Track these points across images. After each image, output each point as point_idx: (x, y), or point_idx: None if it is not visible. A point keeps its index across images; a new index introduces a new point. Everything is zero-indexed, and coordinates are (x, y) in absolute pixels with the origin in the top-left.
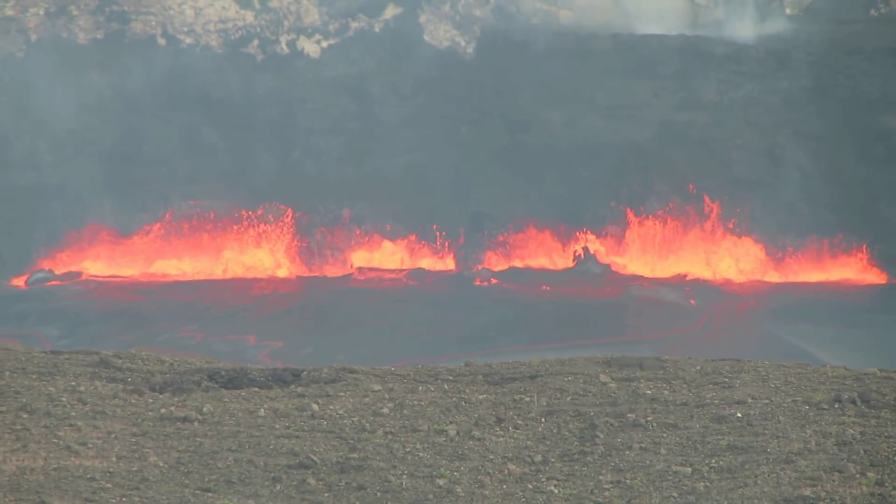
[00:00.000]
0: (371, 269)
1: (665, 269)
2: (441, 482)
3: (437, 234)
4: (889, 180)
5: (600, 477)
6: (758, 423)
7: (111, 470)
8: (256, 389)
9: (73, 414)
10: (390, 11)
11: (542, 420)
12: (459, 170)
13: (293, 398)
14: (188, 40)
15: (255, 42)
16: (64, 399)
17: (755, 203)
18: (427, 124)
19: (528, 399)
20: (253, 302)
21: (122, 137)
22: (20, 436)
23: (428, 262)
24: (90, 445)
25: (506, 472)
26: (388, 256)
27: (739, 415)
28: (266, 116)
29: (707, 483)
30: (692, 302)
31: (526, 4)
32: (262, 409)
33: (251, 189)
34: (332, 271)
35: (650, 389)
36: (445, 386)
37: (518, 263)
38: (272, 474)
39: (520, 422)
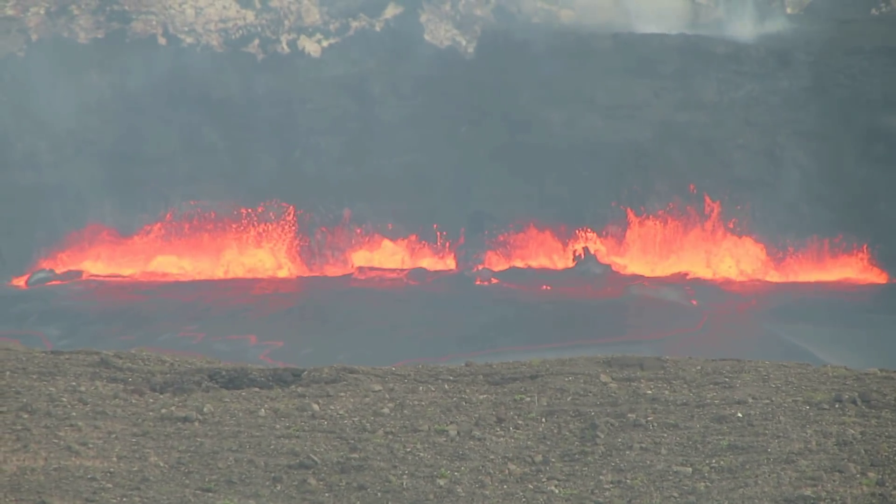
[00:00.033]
0: (371, 269)
1: (665, 269)
2: (442, 482)
3: (438, 233)
4: (889, 180)
5: (601, 477)
6: (758, 423)
7: (112, 470)
8: (257, 389)
9: (74, 414)
10: (391, 11)
11: (543, 420)
12: (460, 169)
13: (294, 398)
14: (189, 40)
15: (256, 42)
16: (64, 399)
17: (756, 203)
18: (427, 124)
19: (528, 399)
20: (253, 302)
21: (122, 137)
22: (21, 436)
23: (428, 262)
24: (91, 445)
25: (506, 472)
26: (388, 256)
27: (740, 415)
28: (266, 116)
29: (708, 483)
30: (693, 302)
31: (526, 4)
32: (263, 409)
33: (251, 189)
34: (333, 271)
35: (651, 389)
36: (446, 386)
37: (518, 263)
38: (273, 474)
39: (520, 422)
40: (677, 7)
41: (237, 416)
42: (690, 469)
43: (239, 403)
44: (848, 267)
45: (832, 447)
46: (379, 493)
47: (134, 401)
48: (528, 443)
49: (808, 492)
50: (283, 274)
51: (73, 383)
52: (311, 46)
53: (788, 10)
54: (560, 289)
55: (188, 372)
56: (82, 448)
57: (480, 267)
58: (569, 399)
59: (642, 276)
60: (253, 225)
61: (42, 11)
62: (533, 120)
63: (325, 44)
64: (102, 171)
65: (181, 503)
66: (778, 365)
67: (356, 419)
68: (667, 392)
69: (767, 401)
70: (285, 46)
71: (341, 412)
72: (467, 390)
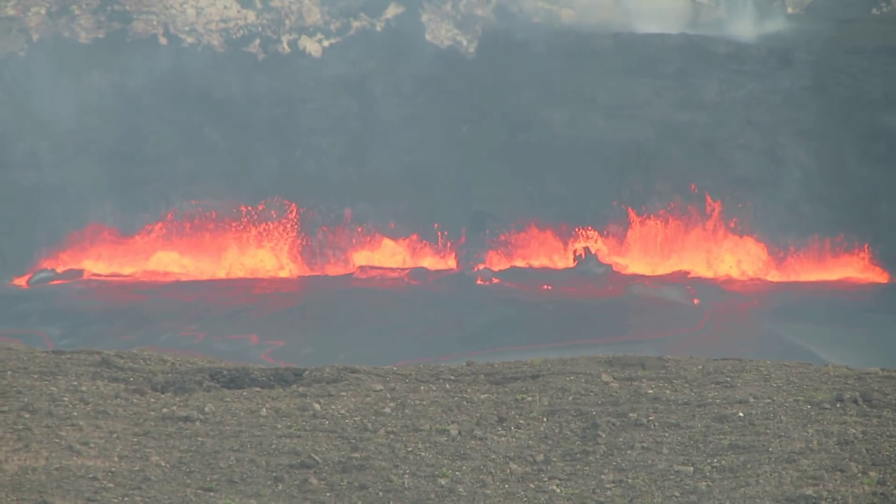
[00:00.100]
0: (373, 269)
1: (666, 268)
2: (443, 482)
3: (439, 233)
4: (890, 179)
5: (602, 476)
6: (760, 423)
7: (113, 469)
8: (258, 389)
9: (75, 414)
10: (392, 11)
11: (544, 419)
12: (461, 169)
13: (295, 398)
14: (189, 40)
15: (257, 41)
16: (66, 399)
17: (757, 202)
18: (428, 124)
19: (529, 398)
20: (255, 301)
21: (123, 137)
22: (22, 435)
23: (429, 262)
24: (92, 445)
25: (508, 471)
26: (389, 256)
27: (741, 414)
28: (267, 116)
29: (709, 482)
30: (694, 301)
31: (527, 4)
32: (264, 409)
33: (252, 188)
34: (334, 270)
35: (652, 389)
36: (447, 385)
37: (519, 263)
38: (274, 474)
39: (522, 421)
40: (678, 7)
41: (238, 415)
42: (692, 468)
43: (240, 403)
44: (849, 266)
45: (833, 446)
46: (380, 493)
47: (135, 400)
48: (530, 442)
49: (809, 491)
50: (284, 273)
51: (75, 383)
52: (311, 46)
53: (789, 10)
54: (561, 288)
55: (189, 371)
56: (84, 448)
57: (481, 266)
58: (570, 398)
59: (643, 276)
60: (254, 224)
61: (43, 11)
62: (534, 119)
63: (325, 43)
64: (103, 170)
65: (182, 503)
66: (779, 364)
67: (357, 419)
68: (668, 391)
69: (769, 400)
70: (286, 46)
71: (343, 412)
72: (469, 390)
